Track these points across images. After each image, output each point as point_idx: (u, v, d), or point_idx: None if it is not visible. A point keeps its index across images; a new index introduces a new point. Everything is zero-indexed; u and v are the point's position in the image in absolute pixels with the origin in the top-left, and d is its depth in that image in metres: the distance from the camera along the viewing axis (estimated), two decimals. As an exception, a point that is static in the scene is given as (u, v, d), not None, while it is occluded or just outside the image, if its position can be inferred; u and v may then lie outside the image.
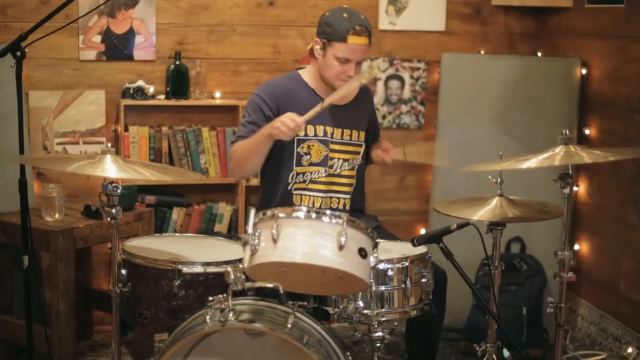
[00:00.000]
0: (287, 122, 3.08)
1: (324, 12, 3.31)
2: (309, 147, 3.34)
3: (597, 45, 4.32)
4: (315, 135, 3.35)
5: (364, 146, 3.47)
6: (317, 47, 3.29)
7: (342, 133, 3.40)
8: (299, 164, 3.34)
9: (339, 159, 3.40)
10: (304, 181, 3.35)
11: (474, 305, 4.20)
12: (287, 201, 3.33)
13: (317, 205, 3.36)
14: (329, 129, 3.37)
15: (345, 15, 3.23)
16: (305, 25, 4.48)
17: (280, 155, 3.34)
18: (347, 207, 3.41)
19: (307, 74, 3.42)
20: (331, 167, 3.38)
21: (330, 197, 3.39)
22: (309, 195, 3.36)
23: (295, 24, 4.47)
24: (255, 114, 3.31)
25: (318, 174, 3.36)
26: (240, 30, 4.42)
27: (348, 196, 3.43)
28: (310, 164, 3.35)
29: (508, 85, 4.46)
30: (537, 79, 4.46)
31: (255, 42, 4.44)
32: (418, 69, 4.66)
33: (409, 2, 4.58)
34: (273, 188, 3.37)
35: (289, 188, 3.34)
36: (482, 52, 4.67)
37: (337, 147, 3.39)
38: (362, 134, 3.46)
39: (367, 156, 3.52)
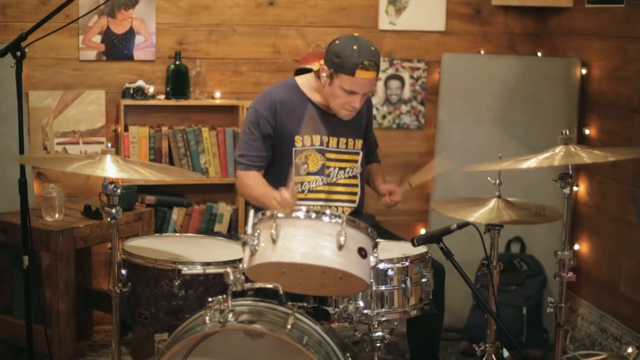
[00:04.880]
0: (282, 203, 3.08)
1: (334, 40, 3.27)
2: (306, 157, 3.36)
3: (597, 45, 4.32)
4: (312, 144, 3.36)
5: (361, 154, 3.47)
6: (324, 74, 3.26)
7: (338, 142, 3.41)
8: (297, 173, 3.35)
9: (334, 167, 3.41)
10: (302, 191, 3.36)
11: (474, 305, 4.20)
12: None
13: None
14: (325, 138, 3.38)
15: (355, 47, 3.17)
16: (305, 25, 4.48)
17: (279, 166, 3.36)
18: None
19: (305, 84, 3.41)
20: (328, 175, 3.39)
21: (330, 206, 3.40)
22: (308, 205, 3.36)
23: (295, 24, 4.47)
24: (256, 130, 3.34)
25: (315, 183, 3.38)
26: (240, 30, 4.42)
27: (351, 204, 3.43)
28: (308, 174, 3.36)
29: (508, 85, 4.46)
30: (537, 79, 4.46)
31: (255, 42, 4.44)
32: (418, 69, 4.66)
33: (409, 2, 4.58)
34: None
35: None
36: (482, 52, 4.67)
37: (332, 155, 3.40)
38: (359, 142, 3.47)
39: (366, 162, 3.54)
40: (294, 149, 3.35)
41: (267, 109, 3.33)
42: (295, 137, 3.35)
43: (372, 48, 3.21)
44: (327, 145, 3.39)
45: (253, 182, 3.34)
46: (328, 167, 3.39)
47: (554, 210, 3.17)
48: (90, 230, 3.67)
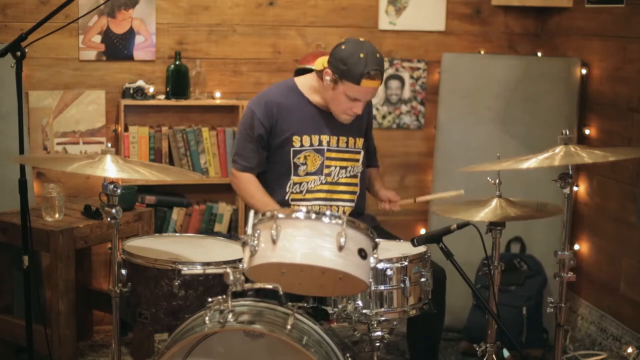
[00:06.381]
0: None
1: (340, 44, 3.24)
2: (305, 157, 3.36)
3: (597, 45, 4.32)
4: (311, 145, 3.37)
5: (362, 153, 3.47)
6: (328, 77, 3.25)
7: (339, 141, 3.41)
8: (296, 174, 3.35)
9: (336, 166, 3.41)
10: (301, 191, 3.36)
11: (474, 305, 4.20)
12: None
13: None
14: (325, 137, 3.38)
15: (362, 55, 3.15)
16: (305, 25, 4.48)
17: (278, 167, 3.36)
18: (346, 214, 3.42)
19: (304, 84, 3.41)
20: (328, 175, 3.39)
21: (330, 206, 3.40)
22: (308, 205, 3.36)
23: (295, 24, 4.47)
24: (250, 131, 3.35)
25: (314, 183, 3.37)
26: (240, 30, 4.42)
27: (351, 204, 3.43)
28: (307, 174, 3.36)
29: (508, 85, 4.46)
30: (537, 79, 4.46)
31: (255, 42, 4.44)
32: (418, 69, 4.66)
33: (409, 2, 4.58)
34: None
35: (286, 198, 3.36)
36: (482, 52, 4.67)
37: (333, 154, 3.40)
38: (360, 141, 3.47)
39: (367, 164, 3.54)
40: (292, 149, 3.35)
41: (261, 110, 3.33)
42: (293, 138, 3.35)
43: (378, 55, 3.20)
44: (328, 145, 3.39)
45: (251, 187, 3.37)
46: (328, 167, 3.39)
47: (555, 206, 3.17)
48: (90, 230, 3.67)
